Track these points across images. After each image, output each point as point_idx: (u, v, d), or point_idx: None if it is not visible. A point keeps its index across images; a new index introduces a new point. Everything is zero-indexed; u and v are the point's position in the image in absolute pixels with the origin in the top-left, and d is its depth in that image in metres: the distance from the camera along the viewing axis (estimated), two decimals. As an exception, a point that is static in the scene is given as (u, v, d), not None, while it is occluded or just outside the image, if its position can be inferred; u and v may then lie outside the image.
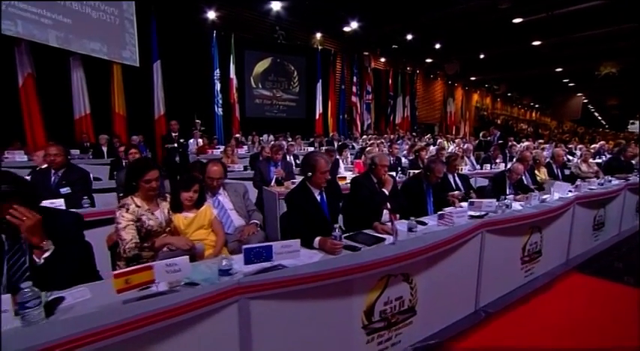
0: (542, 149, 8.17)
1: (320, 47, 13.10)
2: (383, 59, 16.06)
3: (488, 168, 5.61)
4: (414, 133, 14.83)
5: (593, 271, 3.32)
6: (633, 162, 5.70)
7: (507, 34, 13.39)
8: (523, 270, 2.84)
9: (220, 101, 10.57)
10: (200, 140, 7.69)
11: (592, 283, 3.12)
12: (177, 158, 5.72)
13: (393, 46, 15.34)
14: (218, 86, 10.45)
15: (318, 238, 1.77)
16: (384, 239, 1.97)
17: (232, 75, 10.85)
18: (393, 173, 3.60)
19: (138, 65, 8.68)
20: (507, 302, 2.59)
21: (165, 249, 1.73)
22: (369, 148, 4.32)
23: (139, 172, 1.83)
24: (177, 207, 2.00)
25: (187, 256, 1.26)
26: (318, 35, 13.15)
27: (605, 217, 3.91)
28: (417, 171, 4.29)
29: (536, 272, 2.97)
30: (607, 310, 2.64)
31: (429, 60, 17.60)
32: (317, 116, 13.10)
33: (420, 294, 1.95)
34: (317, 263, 1.55)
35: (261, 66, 12.16)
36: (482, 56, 16.17)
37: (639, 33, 11.31)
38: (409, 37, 13.57)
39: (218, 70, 10.42)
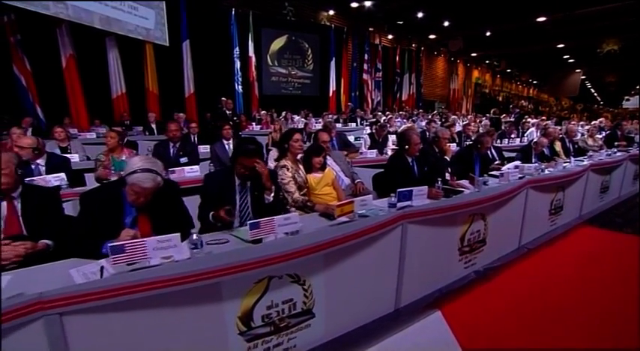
0: (546, 125, 8.92)
1: (328, 23, 13.31)
2: (390, 36, 16.26)
3: (506, 142, 6.32)
4: (420, 110, 15.34)
5: (599, 224, 4.14)
6: (632, 135, 6.48)
7: (513, 10, 13.66)
8: (549, 220, 3.62)
9: (240, 79, 10.91)
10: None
11: (599, 233, 3.94)
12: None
13: (398, 22, 15.49)
14: (238, 64, 10.76)
15: (423, 188, 2.47)
16: (462, 191, 2.68)
17: (251, 53, 11.13)
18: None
19: (168, 44, 9.00)
20: (539, 243, 3.39)
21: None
22: (410, 125, 4.98)
23: (288, 136, 2.50)
24: (308, 168, 2.67)
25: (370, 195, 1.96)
26: (330, 12, 13.31)
27: (610, 182, 4.70)
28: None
29: (558, 223, 3.77)
30: (610, 252, 3.45)
31: (432, 36, 17.75)
32: (330, 94, 13.56)
33: (488, 231, 2.71)
34: (431, 204, 2.26)
35: (277, 44, 12.40)
36: (488, 34, 16.43)
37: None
38: (420, 15, 13.76)
39: (237, 48, 10.70)
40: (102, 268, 1.46)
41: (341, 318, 1.90)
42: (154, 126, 7.00)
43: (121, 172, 3.04)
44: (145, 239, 1.37)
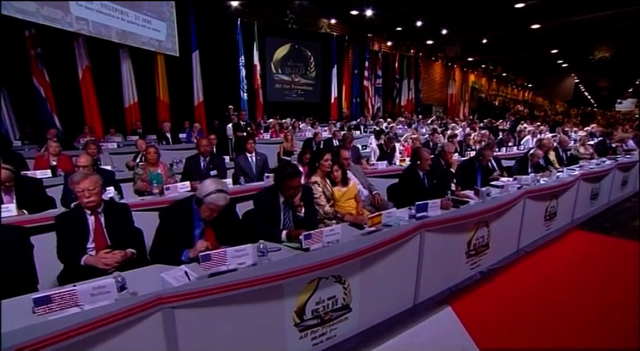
0: (541, 132, 9.39)
1: (328, 31, 13.68)
2: (389, 43, 16.66)
3: (504, 151, 6.72)
4: (420, 116, 15.73)
5: (589, 228, 4.54)
6: (619, 145, 6.91)
7: (509, 18, 14.11)
8: (544, 226, 4.01)
9: (245, 87, 11.27)
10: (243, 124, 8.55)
11: (589, 236, 4.33)
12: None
13: (397, 29, 15.88)
14: (243, 72, 11.12)
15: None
16: (468, 201, 3.06)
17: (256, 61, 11.47)
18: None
19: (178, 55, 9.33)
20: (535, 246, 3.77)
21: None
22: (415, 136, 5.37)
23: (320, 156, 2.86)
24: (332, 182, 3.03)
25: (394, 208, 2.33)
26: (332, 21, 13.69)
27: (600, 189, 5.11)
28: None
29: (552, 228, 4.16)
30: (599, 253, 3.85)
31: (429, 42, 18.16)
32: (332, 100, 13.95)
33: (491, 237, 3.09)
34: (443, 214, 2.62)
35: (280, 52, 12.76)
36: (484, 41, 16.89)
37: (635, 16, 12.15)
38: (419, 23, 14.16)
39: (243, 56, 11.06)
40: (186, 272, 1.81)
41: (371, 312, 2.26)
42: (168, 135, 7.31)
43: (162, 185, 3.41)
44: (226, 249, 1.72)
